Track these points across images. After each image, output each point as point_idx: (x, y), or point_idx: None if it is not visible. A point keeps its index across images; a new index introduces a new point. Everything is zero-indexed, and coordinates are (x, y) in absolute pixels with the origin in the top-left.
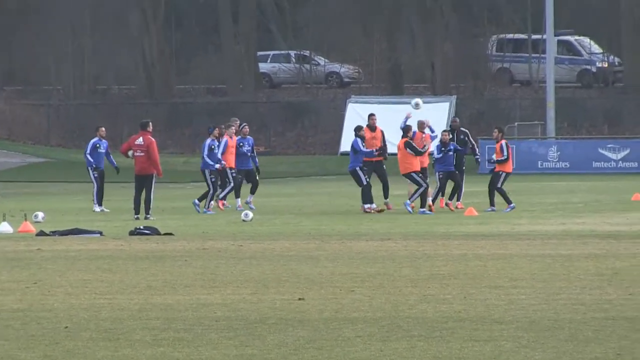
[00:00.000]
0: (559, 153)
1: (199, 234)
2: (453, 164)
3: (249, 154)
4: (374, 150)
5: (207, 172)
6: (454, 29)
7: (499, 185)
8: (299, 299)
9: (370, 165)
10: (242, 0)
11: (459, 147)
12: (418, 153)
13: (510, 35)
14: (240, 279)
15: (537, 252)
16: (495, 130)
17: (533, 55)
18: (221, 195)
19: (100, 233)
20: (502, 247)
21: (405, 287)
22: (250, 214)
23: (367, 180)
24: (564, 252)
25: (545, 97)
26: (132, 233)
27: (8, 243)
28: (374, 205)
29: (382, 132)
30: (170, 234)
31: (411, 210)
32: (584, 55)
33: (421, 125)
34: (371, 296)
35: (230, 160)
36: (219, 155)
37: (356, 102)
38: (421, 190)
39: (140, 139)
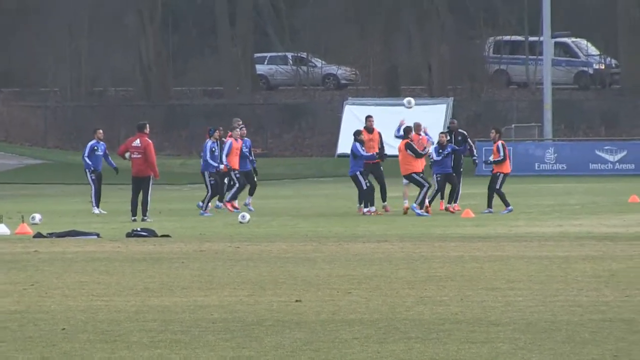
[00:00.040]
0: (556, 155)
1: (196, 236)
2: (451, 166)
3: (247, 155)
4: (375, 153)
5: (206, 174)
6: (451, 31)
7: (497, 187)
8: (296, 300)
9: (367, 167)
10: (239, 2)
11: (457, 147)
12: (418, 155)
13: (507, 37)
14: (237, 281)
15: (534, 253)
16: (493, 130)
17: (530, 57)
18: (229, 197)
19: (98, 235)
20: (499, 248)
21: (402, 289)
22: (247, 216)
23: (368, 184)
24: (561, 254)
25: (542, 99)
26: (129, 235)
27: (5, 245)
28: (373, 209)
29: (379, 133)
30: (168, 235)
31: (427, 214)
32: (580, 57)
33: (417, 127)
34: (368, 298)
35: (235, 162)
36: (224, 157)
37: (353, 104)
38: (425, 190)
39: (137, 140)
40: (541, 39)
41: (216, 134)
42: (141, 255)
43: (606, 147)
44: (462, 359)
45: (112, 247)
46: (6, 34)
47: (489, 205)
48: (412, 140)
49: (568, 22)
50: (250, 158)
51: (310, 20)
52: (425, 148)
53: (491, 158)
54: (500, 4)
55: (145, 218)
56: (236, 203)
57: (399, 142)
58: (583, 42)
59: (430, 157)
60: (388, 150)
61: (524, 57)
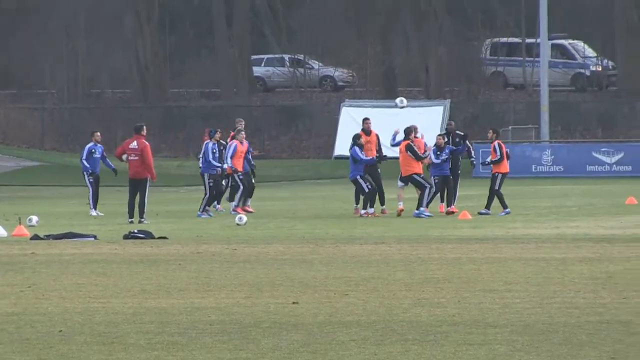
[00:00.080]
0: (553, 157)
1: (193, 238)
2: (448, 169)
3: (248, 157)
4: (375, 157)
5: (206, 175)
6: (448, 32)
7: (496, 188)
8: (293, 302)
9: (365, 170)
10: (236, 3)
11: (454, 148)
12: (418, 158)
13: (504, 39)
14: (234, 283)
15: (531, 255)
16: (490, 131)
17: (527, 58)
18: (236, 202)
19: (95, 237)
20: (496, 250)
21: (399, 291)
22: (245, 218)
23: (369, 187)
24: (558, 256)
25: (539, 101)
26: (126, 237)
27: (2, 247)
28: (371, 210)
29: (377, 136)
30: (165, 237)
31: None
32: (577, 59)
33: (414, 130)
34: (365, 300)
35: (239, 165)
36: (228, 159)
37: (350, 105)
38: (427, 191)
39: (134, 142)
40: (538, 40)
41: (217, 135)
42: (138, 257)
43: (603, 149)
44: None
45: (109, 249)
46: (3, 35)
47: (488, 206)
48: (412, 142)
49: (565, 24)
50: (249, 157)
51: (308, 22)
52: (425, 152)
53: (489, 159)
54: (498, 6)
55: (142, 220)
56: (249, 206)
57: (396, 147)
58: (580, 44)
59: (430, 159)
60: (385, 152)
61: (521, 59)
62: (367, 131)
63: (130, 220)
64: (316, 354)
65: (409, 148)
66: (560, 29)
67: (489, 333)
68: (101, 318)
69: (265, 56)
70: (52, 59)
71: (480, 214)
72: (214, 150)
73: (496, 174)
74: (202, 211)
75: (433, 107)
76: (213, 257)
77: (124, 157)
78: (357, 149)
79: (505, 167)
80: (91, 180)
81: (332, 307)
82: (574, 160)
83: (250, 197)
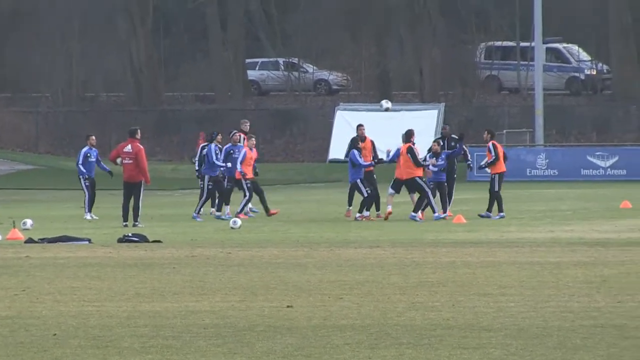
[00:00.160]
0: (547, 160)
1: (187, 242)
2: (445, 174)
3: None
4: (372, 162)
5: (207, 177)
6: (442, 35)
7: (495, 189)
8: (288, 306)
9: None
10: (231, 7)
11: (450, 152)
12: (417, 163)
13: (498, 43)
14: (229, 287)
15: (525, 259)
16: (485, 132)
17: (521, 62)
18: (239, 210)
19: (89, 240)
20: (491, 254)
21: (393, 295)
22: (239, 222)
23: (369, 191)
24: (552, 260)
25: (533, 105)
26: (120, 240)
27: None
28: (367, 213)
29: (372, 142)
30: (159, 241)
31: (420, 219)
32: (572, 63)
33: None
34: (359, 304)
35: (249, 171)
36: (238, 165)
37: (344, 109)
38: (429, 194)
39: (129, 146)
40: (532, 44)
41: (219, 137)
42: (132, 260)
43: (598, 153)
44: None
45: (103, 253)
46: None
47: (489, 208)
48: (414, 144)
49: (559, 27)
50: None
51: (302, 26)
52: (425, 159)
53: (484, 162)
54: (492, 9)
55: (137, 223)
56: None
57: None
58: (574, 48)
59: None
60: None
61: (516, 62)
62: (361, 137)
63: (124, 223)
64: (310, 358)
65: (409, 151)
66: (555, 33)
67: (483, 337)
68: (95, 322)
69: (260, 60)
70: (47, 63)
71: (481, 216)
72: (217, 152)
73: (494, 175)
74: (197, 212)
75: (427, 110)
76: (207, 261)
77: (119, 160)
78: (355, 152)
79: (502, 167)
80: (87, 184)
81: (326, 310)
82: (569, 164)
83: (265, 200)
